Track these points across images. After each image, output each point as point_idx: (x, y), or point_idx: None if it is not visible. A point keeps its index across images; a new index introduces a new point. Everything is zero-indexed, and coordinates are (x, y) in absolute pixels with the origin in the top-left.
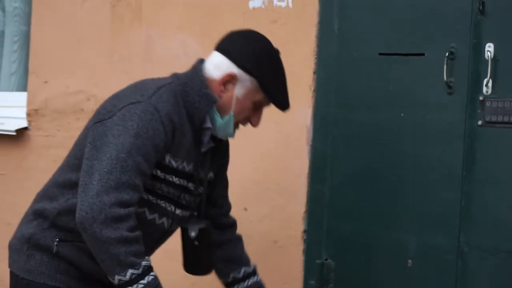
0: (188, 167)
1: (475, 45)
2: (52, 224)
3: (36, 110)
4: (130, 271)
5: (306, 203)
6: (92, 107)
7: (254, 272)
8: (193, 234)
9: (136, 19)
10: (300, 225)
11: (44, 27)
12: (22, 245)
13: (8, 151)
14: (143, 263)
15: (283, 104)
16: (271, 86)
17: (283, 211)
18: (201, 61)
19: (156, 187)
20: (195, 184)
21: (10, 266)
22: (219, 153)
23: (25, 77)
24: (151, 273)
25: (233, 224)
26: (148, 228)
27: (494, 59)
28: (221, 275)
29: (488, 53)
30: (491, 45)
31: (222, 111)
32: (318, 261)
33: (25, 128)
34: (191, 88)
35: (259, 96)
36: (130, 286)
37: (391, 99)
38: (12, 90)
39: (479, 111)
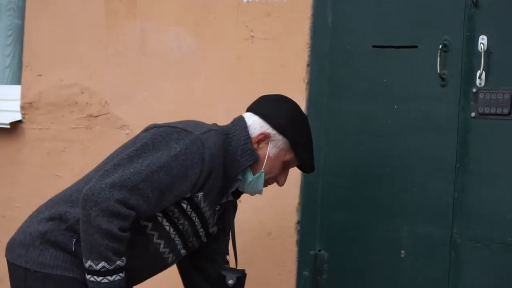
0: (208, 212)
1: (469, 37)
2: (70, 227)
3: (30, 103)
4: (102, 263)
5: (299, 194)
6: (86, 100)
7: None
8: (230, 282)
9: (130, 12)
10: (293, 216)
11: (38, 20)
12: (34, 240)
13: (2, 145)
14: (118, 262)
15: (310, 166)
16: (302, 148)
17: (277, 203)
18: (242, 118)
19: (180, 222)
20: (205, 231)
21: (14, 260)
22: (231, 210)
23: (19, 70)
24: (120, 274)
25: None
26: (155, 259)
27: (487, 52)
28: None
29: (481, 45)
30: (484, 37)
31: (254, 168)
32: (311, 252)
33: (19, 121)
34: (233, 140)
35: (289, 156)
36: (97, 276)
37: (384, 92)
38: (6, 84)
39: (472, 103)
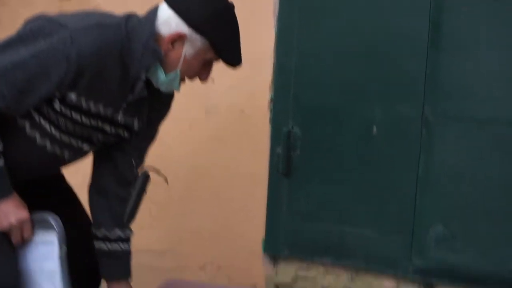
0: (104, 110)
1: None
2: None
3: None
4: None
5: (272, 73)
6: None
7: (127, 240)
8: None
9: None
10: (266, 94)
11: None
12: None
13: None
14: None
15: (234, 62)
16: (223, 46)
17: (249, 81)
18: (155, 11)
19: (61, 123)
20: (113, 127)
21: None
22: (157, 104)
23: None
24: None
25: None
26: (47, 158)
27: None
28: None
29: None
30: None
31: (167, 68)
32: (284, 129)
33: None
34: (136, 36)
35: (210, 55)
36: None
37: None
38: None
39: None
